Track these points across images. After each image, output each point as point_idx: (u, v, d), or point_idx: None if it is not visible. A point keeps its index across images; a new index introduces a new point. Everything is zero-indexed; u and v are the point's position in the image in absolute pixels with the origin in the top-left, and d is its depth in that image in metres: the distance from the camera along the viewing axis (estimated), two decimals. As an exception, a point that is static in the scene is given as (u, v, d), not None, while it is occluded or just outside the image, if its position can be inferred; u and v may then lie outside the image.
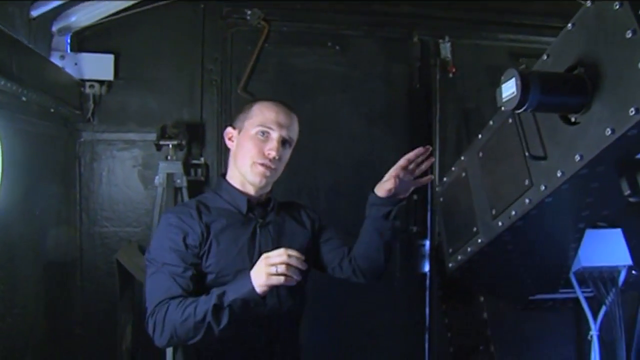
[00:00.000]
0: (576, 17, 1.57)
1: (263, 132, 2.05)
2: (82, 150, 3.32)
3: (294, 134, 2.15)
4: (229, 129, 2.18)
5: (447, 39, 3.69)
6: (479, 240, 2.11)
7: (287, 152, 2.14)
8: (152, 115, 3.39)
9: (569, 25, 1.58)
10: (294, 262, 1.72)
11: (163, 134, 3.22)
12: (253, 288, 1.76)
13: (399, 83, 3.75)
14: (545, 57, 1.70)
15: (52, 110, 2.81)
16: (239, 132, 2.13)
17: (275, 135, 2.05)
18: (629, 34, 1.35)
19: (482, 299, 2.68)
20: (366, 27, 3.69)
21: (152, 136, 3.26)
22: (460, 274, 2.40)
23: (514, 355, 2.69)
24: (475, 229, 2.13)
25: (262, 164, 2.04)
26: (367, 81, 3.71)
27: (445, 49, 3.68)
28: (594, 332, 2.38)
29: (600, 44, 1.46)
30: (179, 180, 3.23)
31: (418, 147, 3.62)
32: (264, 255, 1.77)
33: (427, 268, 3.73)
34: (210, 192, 2.30)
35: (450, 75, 3.71)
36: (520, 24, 3.82)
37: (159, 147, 3.20)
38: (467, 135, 3.77)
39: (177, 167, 3.23)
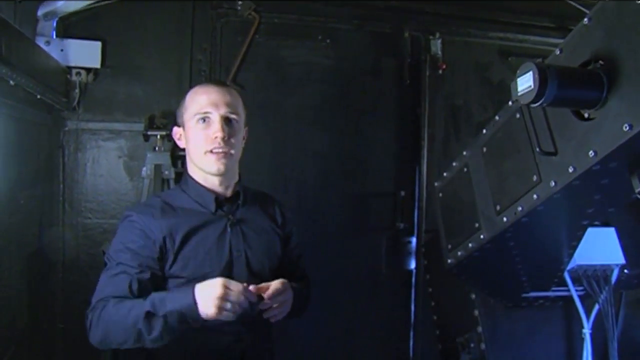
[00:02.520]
0: (593, 11, 1.55)
1: (203, 119, 1.96)
2: (67, 139, 3.24)
3: (236, 108, 2.02)
4: (176, 129, 2.09)
5: (437, 35, 3.69)
6: (481, 236, 2.10)
7: (238, 130, 2.02)
8: (138, 104, 3.31)
9: (585, 19, 1.56)
10: (249, 299, 1.70)
11: (151, 124, 3.15)
12: (195, 305, 1.68)
13: (389, 78, 3.74)
14: (558, 51, 1.68)
15: (38, 96, 2.72)
16: (184, 129, 2.04)
17: (214, 116, 1.95)
18: (650, 28, 1.34)
19: (473, 296, 2.66)
20: (357, 21, 3.67)
21: (139, 126, 3.20)
22: (457, 270, 2.39)
23: (504, 353, 2.68)
24: (477, 225, 2.11)
25: (212, 151, 1.95)
26: (356, 75, 3.70)
27: (436, 45, 3.68)
28: (586, 330, 2.39)
29: (620, 39, 1.44)
30: (167, 172, 3.16)
31: (406, 142, 3.67)
32: (222, 284, 1.68)
33: (413, 265, 3.73)
34: (176, 188, 2.18)
35: (440, 71, 3.71)
36: (510, 22, 3.85)
37: (146, 138, 3.13)
38: (456, 131, 3.80)
39: (165, 158, 3.16)
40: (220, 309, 1.66)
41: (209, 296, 1.67)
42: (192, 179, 2.05)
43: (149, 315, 1.69)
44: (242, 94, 3.34)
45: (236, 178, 2.10)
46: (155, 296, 1.75)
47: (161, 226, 1.90)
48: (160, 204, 1.99)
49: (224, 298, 1.66)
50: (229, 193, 2.07)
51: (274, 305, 1.83)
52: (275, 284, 1.83)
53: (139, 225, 1.92)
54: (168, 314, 1.69)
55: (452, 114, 3.81)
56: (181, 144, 2.07)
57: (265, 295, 1.79)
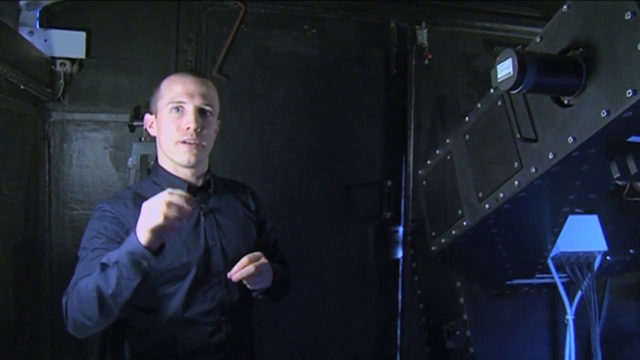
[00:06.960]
0: (572, -2, 1.57)
1: (177, 108, 1.94)
2: (52, 131, 3.19)
3: (212, 100, 2.00)
4: (148, 116, 2.07)
5: (423, 25, 3.67)
6: (464, 223, 2.12)
7: (211, 123, 2.01)
8: (124, 95, 3.27)
9: (564, 7, 1.58)
10: (175, 199, 1.55)
11: (137, 115, 3.12)
12: (137, 239, 1.58)
13: (375, 68, 3.72)
14: (538, 39, 1.69)
15: (21, 87, 2.70)
16: (156, 116, 2.02)
17: (188, 107, 1.93)
18: (628, 16, 1.35)
19: (459, 284, 2.69)
20: (343, 11, 3.64)
21: (125, 117, 3.16)
22: (442, 258, 2.41)
23: (489, 340, 2.71)
24: (460, 212, 2.13)
25: (184, 141, 1.93)
26: (343, 65, 3.67)
27: (422, 35, 3.66)
28: (569, 317, 2.42)
29: (598, 26, 1.46)
30: (152, 162, 3.14)
31: (392, 131, 3.68)
32: (167, 192, 1.58)
33: (400, 254, 3.74)
34: (146, 180, 2.15)
35: (426, 61, 3.70)
36: (496, 12, 3.84)
37: (132, 128, 3.10)
38: (442, 121, 3.80)
39: (150, 149, 3.11)
40: (165, 214, 1.53)
41: (153, 205, 1.56)
42: (163, 169, 2.04)
43: (104, 269, 1.60)
44: (228, 84, 3.37)
45: (206, 168, 2.09)
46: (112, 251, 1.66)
47: (134, 216, 1.80)
48: (131, 196, 1.98)
49: (168, 201, 1.54)
50: (199, 183, 2.06)
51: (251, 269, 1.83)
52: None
53: (111, 214, 1.90)
54: (119, 258, 1.59)
55: (439, 103, 3.80)
56: (152, 132, 2.07)
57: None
